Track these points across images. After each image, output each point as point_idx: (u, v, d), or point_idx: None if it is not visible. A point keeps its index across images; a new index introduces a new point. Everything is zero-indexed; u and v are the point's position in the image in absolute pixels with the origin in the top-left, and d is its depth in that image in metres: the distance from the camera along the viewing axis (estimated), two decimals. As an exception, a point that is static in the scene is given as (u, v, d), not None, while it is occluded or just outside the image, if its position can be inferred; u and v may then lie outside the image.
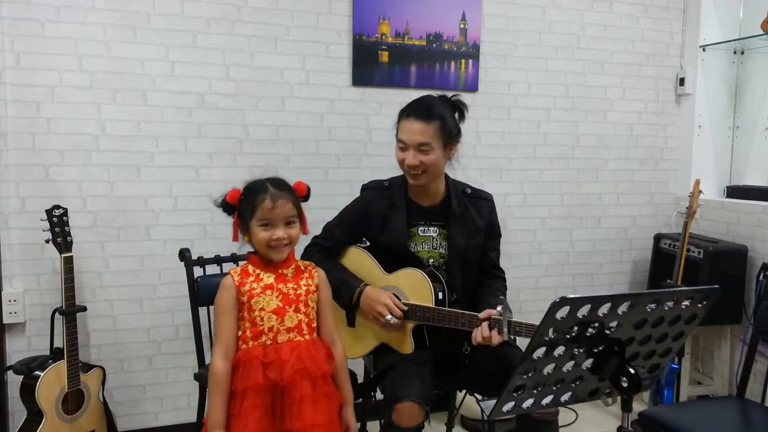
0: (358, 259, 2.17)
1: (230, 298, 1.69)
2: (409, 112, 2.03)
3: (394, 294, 2.06)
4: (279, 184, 1.73)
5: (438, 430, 2.78)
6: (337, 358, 1.79)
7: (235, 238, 1.75)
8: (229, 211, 1.74)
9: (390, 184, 2.17)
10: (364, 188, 2.22)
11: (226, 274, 1.74)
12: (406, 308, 2.02)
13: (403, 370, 1.99)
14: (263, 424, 1.63)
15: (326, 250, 2.18)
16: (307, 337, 1.73)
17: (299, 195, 1.77)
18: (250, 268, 1.74)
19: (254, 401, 1.63)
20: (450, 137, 2.03)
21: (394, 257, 2.11)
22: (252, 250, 1.77)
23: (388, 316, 1.99)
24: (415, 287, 2.04)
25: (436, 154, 2.00)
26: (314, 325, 1.76)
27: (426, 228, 2.14)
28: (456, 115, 2.08)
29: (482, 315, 1.89)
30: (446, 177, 2.16)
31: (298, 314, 1.72)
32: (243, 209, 1.71)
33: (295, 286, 1.74)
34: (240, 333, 1.70)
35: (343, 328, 2.16)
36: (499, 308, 1.86)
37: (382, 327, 2.04)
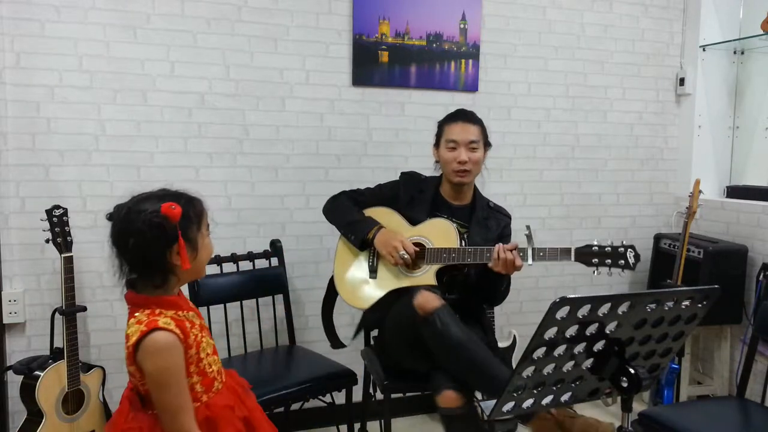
0: (385, 213, 2.34)
1: (181, 358, 1.36)
2: (456, 117, 2.33)
3: (419, 242, 2.23)
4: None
5: (435, 429, 2.78)
6: None
7: (187, 263, 1.39)
8: (169, 232, 1.37)
9: (425, 178, 2.43)
10: (403, 173, 2.46)
11: (148, 331, 1.33)
12: (418, 249, 2.20)
13: (408, 293, 2.11)
14: None
15: (354, 200, 2.40)
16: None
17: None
18: (170, 313, 1.39)
19: None
20: (487, 141, 2.35)
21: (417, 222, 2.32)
22: (150, 286, 1.41)
23: (402, 251, 2.15)
24: (441, 233, 2.23)
25: (480, 154, 2.30)
26: None
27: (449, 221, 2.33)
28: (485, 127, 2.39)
29: (510, 245, 2.08)
30: (475, 186, 2.42)
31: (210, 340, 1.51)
32: (187, 223, 1.41)
33: (195, 312, 1.51)
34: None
35: (366, 279, 2.29)
36: (526, 233, 2.06)
37: (395, 264, 2.19)
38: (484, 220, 2.34)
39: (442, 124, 2.36)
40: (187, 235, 1.39)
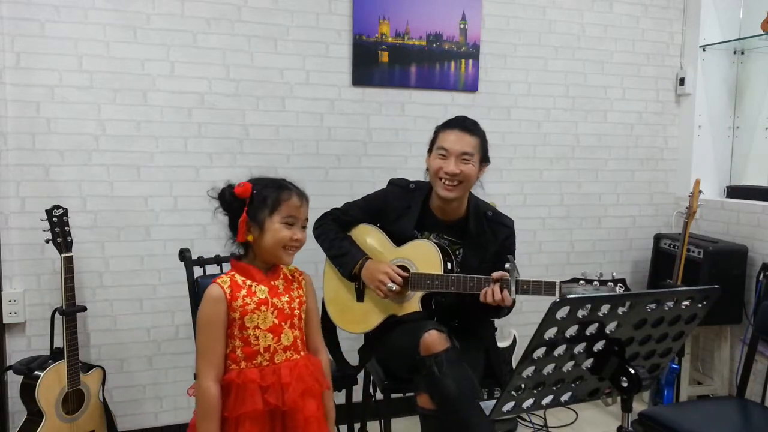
0: (370, 233, 2.25)
1: (220, 312, 1.52)
2: (453, 124, 2.13)
3: (403, 265, 2.13)
4: (297, 186, 1.64)
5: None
6: (324, 367, 1.69)
7: (243, 237, 1.57)
8: (236, 205, 1.57)
9: (414, 187, 2.25)
10: (391, 183, 2.33)
11: (209, 283, 1.56)
12: (406, 275, 2.08)
13: (414, 322, 2.06)
14: None
15: (340, 221, 2.27)
16: (302, 353, 1.62)
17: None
18: (239, 278, 1.57)
19: (250, 429, 1.50)
20: (485, 155, 2.16)
21: (401, 242, 2.20)
22: (236, 253, 1.62)
23: (389, 284, 2.05)
24: (424, 257, 2.11)
25: (473, 168, 2.10)
26: (305, 339, 1.67)
27: (438, 237, 2.21)
28: (486, 141, 2.20)
29: (494, 275, 1.96)
30: (470, 197, 2.22)
31: (294, 330, 1.61)
32: (258, 204, 1.56)
33: (288, 300, 1.61)
34: (228, 351, 1.54)
35: (353, 303, 2.22)
36: (507, 265, 1.93)
37: (385, 296, 2.09)
38: (479, 238, 2.17)
39: (438, 130, 2.17)
40: (253, 215, 1.55)
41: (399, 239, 2.19)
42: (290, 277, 1.68)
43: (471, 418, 1.86)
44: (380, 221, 2.27)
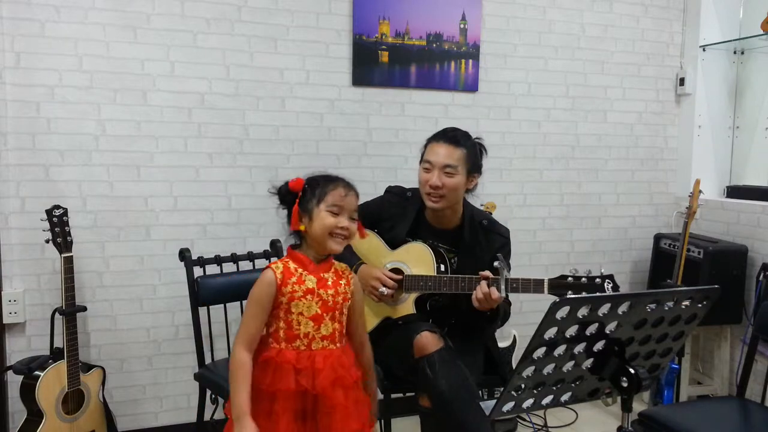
0: (366, 237, 2.20)
1: (268, 295, 1.64)
2: (439, 137, 2.15)
3: (397, 267, 2.14)
4: (347, 180, 1.72)
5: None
6: (366, 361, 1.79)
7: (295, 226, 1.69)
8: (290, 198, 1.70)
9: (411, 195, 2.26)
10: (388, 191, 2.34)
11: (265, 267, 1.69)
12: (399, 277, 2.10)
13: (409, 324, 2.08)
14: (294, 427, 1.62)
15: None
16: (338, 345, 1.70)
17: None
18: (292, 266, 1.68)
19: (285, 405, 1.61)
20: (473, 167, 2.15)
21: (395, 246, 2.21)
22: (294, 243, 1.73)
23: (381, 288, 2.07)
24: (417, 259, 2.12)
25: (458, 180, 2.10)
26: (344, 332, 1.74)
27: (434, 244, 2.20)
28: (478, 154, 2.19)
29: (481, 274, 1.98)
30: (464, 205, 2.22)
31: (334, 323, 1.68)
32: (308, 196, 1.67)
33: (334, 293, 1.69)
34: (271, 330, 1.66)
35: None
36: (496, 264, 1.93)
37: (378, 301, 2.11)
38: (473, 247, 2.17)
39: (427, 142, 2.18)
40: (304, 205, 1.67)
41: (393, 243, 2.20)
42: (340, 273, 1.75)
43: (466, 417, 1.87)
44: (376, 228, 2.27)
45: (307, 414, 1.63)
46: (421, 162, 2.17)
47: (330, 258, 1.73)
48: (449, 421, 1.89)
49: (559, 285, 1.96)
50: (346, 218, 1.67)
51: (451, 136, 2.13)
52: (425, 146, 2.18)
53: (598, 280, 1.92)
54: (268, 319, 1.66)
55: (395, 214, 2.23)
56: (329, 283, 1.69)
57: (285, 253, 1.76)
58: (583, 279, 1.94)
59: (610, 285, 1.91)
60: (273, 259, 1.81)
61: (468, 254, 2.17)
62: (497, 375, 2.26)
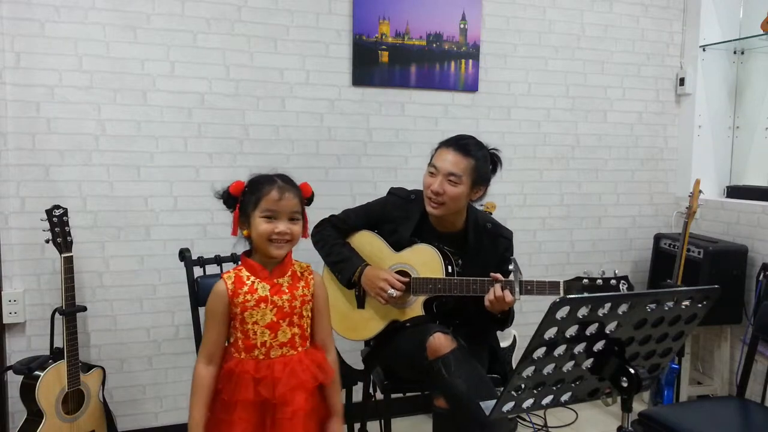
0: (369, 239, 2.23)
1: (221, 306, 1.62)
2: (450, 143, 2.10)
3: (403, 270, 2.12)
4: (286, 178, 1.67)
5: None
6: (330, 367, 1.72)
7: (234, 232, 1.67)
8: (231, 203, 1.67)
9: (415, 198, 2.22)
10: (391, 192, 2.29)
11: (219, 278, 1.66)
12: (407, 279, 2.08)
13: (418, 326, 2.07)
14: None
15: (338, 228, 2.25)
16: (300, 349, 1.67)
17: (304, 195, 1.69)
18: (245, 275, 1.65)
19: (242, 415, 1.59)
20: (480, 179, 2.09)
21: (400, 247, 2.20)
22: (246, 249, 1.70)
23: (390, 290, 2.04)
24: (425, 261, 2.11)
25: (461, 189, 2.05)
26: (308, 333, 1.70)
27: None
28: (489, 166, 2.14)
29: (494, 276, 1.98)
30: (468, 209, 2.19)
31: (292, 328, 1.65)
32: (246, 201, 1.63)
33: (290, 298, 1.65)
34: (232, 340, 1.66)
35: (354, 310, 2.20)
36: (510, 266, 1.94)
37: (386, 303, 2.08)
38: (478, 250, 2.15)
39: (438, 146, 2.15)
40: (244, 210, 1.64)
41: (397, 245, 2.19)
42: (298, 275, 1.70)
43: (485, 416, 1.86)
44: (378, 230, 2.25)
45: (266, 426, 1.61)
46: (429, 164, 2.14)
47: (286, 260, 1.68)
48: (470, 420, 1.87)
49: (574, 287, 1.94)
50: (284, 221, 1.61)
51: (463, 144, 2.08)
52: (436, 149, 2.14)
53: (613, 281, 1.91)
54: (228, 330, 1.65)
55: (398, 216, 2.21)
56: (284, 288, 1.65)
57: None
58: (599, 281, 1.92)
59: (625, 286, 1.90)
60: (229, 267, 1.77)
61: (473, 258, 2.16)
62: (499, 374, 2.26)
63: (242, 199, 1.65)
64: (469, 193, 2.09)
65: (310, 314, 1.70)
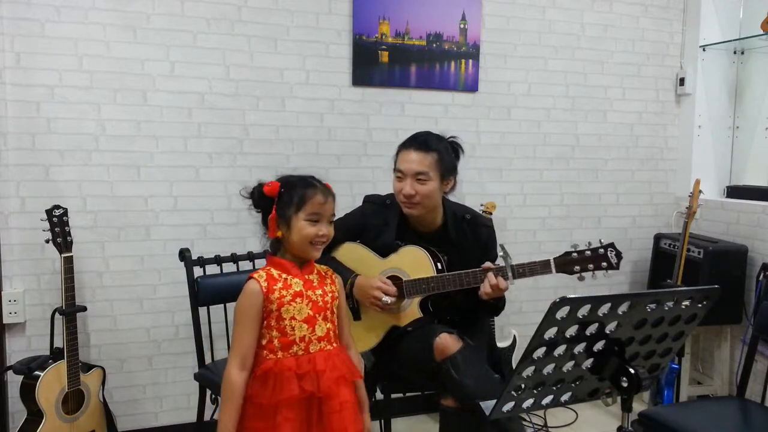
0: (353, 250, 2.21)
1: (256, 306, 1.59)
2: (407, 144, 2.10)
3: (394, 275, 2.11)
4: (321, 182, 1.68)
5: (435, 429, 2.77)
6: (354, 361, 1.76)
7: (273, 233, 1.64)
8: (264, 204, 1.64)
9: (390, 202, 2.21)
10: (366, 200, 2.30)
11: (248, 278, 1.62)
12: (399, 283, 2.07)
13: (419, 329, 2.06)
14: None
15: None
16: (335, 345, 1.68)
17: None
18: (275, 272, 1.63)
19: (288, 415, 1.56)
20: (447, 170, 2.09)
21: (385, 253, 2.18)
22: (270, 250, 1.69)
23: (385, 297, 2.04)
24: (413, 263, 2.09)
25: (432, 186, 2.05)
26: (337, 332, 1.72)
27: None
28: (453, 154, 2.14)
29: (485, 266, 1.97)
30: (444, 203, 2.19)
31: (327, 323, 1.66)
32: (285, 202, 1.61)
33: (322, 293, 1.66)
34: (265, 342, 1.61)
35: (351, 323, 2.17)
36: (500, 253, 1.94)
37: (382, 311, 2.08)
38: (461, 243, 2.15)
39: (398, 150, 2.13)
40: (282, 212, 1.61)
41: (383, 252, 2.17)
42: (323, 274, 1.72)
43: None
44: (361, 239, 2.23)
45: (312, 422, 1.60)
46: (394, 170, 2.13)
47: (311, 261, 1.69)
48: (481, 417, 1.86)
49: (565, 262, 1.93)
50: (326, 224, 1.64)
51: (422, 141, 2.08)
52: (397, 153, 2.13)
53: (601, 250, 1.90)
54: (260, 332, 1.61)
55: (378, 223, 2.20)
56: (315, 284, 1.66)
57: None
58: (587, 252, 1.91)
59: (613, 252, 1.90)
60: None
61: (457, 251, 2.15)
62: (498, 371, 2.26)
63: (279, 200, 1.62)
64: (440, 186, 2.09)
65: (336, 312, 1.72)
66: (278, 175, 1.69)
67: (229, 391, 1.58)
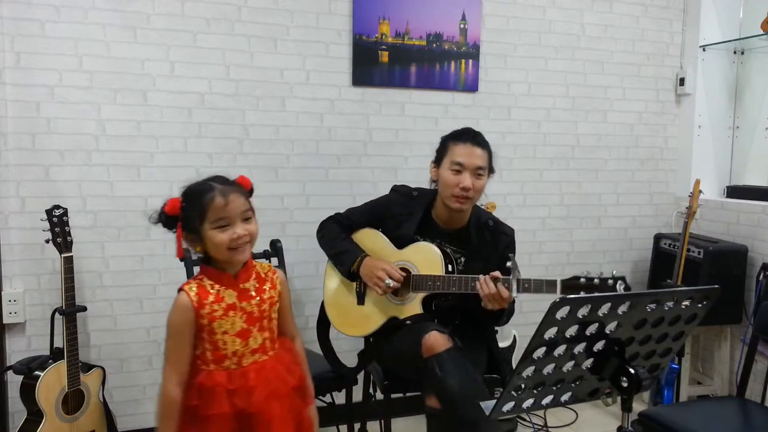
0: (371, 236, 2.26)
1: (188, 321, 1.52)
2: (466, 138, 2.14)
3: (404, 267, 2.14)
4: (222, 179, 1.57)
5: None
6: (297, 353, 1.71)
7: (180, 254, 1.57)
8: (171, 223, 1.56)
9: (417, 194, 2.26)
10: (394, 189, 2.33)
11: (179, 289, 1.55)
12: (405, 274, 2.10)
13: (416, 324, 2.09)
14: None
15: (342, 224, 2.29)
16: (270, 353, 1.62)
17: (245, 189, 1.59)
18: (207, 284, 1.55)
19: (217, 429, 1.52)
20: (492, 168, 2.18)
21: (403, 244, 2.21)
22: (202, 260, 1.62)
23: (387, 280, 2.06)
24: (425, 260, 2.12)
25: (485, 181, 2.14)
26: (276, 335, 1.65)
27: (438, 246, 2.19)
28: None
29: (492, 275, 1.98)
30: (473, 207, 2.22)
31: (263, 333, 1.60)
32: (189, 217, 1.53)
33: (259, 302, 1.59)
34: (198, 352, 1.56)
35: (353, 307, 2.22)
36: (509, 264, 1.95)
37: (383, 293, 2.10)
38: (480, 247, 2.17)
39: (447, 142, 2.17)
40: (189, 226, 1.54)
41: (400, 243, 2.20)
42: (263, 277, 1.63)
43: (476, 416, 1.86)
44: (381, 227, 2.27)
45: None
46: (440, 161, 2.15)
47: (248, 262, 1.60)
48: (459, 420, 1.88)
49: (571, 286, 1.93)
50: (239, 224, 1.52)
51: (480, 139, 2.15)
52: (446, 146, 2.16)
53: (610, 281, 1.90)
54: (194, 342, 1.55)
55: (401, 213, 2.23)
56: (252, 292, 1.58)
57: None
58: (596, 280, 1.92)
59: (623, 286, 1.90)
60: (183, 279, 1.71)
61: (476, 255, 2.18)
62: (498, 375, 2.26)
63: (183, 216, 1.54)
64: (486, 182, 2.15)
65: (277, 315, 1.66)
66: (183, 187, 1.61)
67: (168, 407, 1.52)
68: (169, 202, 1.56)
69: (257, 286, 1.60)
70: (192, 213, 1.52)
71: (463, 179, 2.08)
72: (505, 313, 2.12)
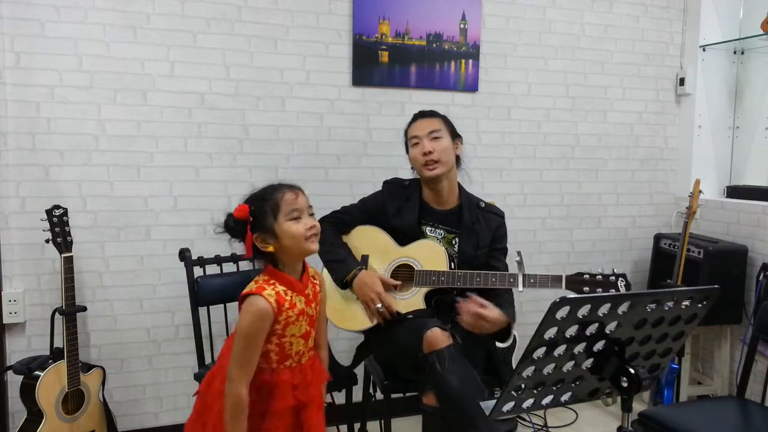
0: (372, 234, 2.29)
1: (266, 328, 1.56)
2: (414, 117, 2.30)
3: (407, 263, 2.18)
4: (287, 183, 1.67)
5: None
6: (323, 360, 1.80)
7: (249, 253, 1.61)
8: (241, 228, 1.60)
9: (409, 183, 2.34)
10: (386, 183, 2.39)
11: (251, 293, 1.57)
12: (399, 283, 2.16)
13: (416, 319, 2.11)
14: None
15: (339, 222, 2.32)
16: (313, 350, 1.73)
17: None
18: (280, 289, 1.60)
19: (276, 423, 1.59)
20: (453, 131, 2.28)
21: (405, 239, 2.25)
22: (268, 262, 1.65)
23: (379, 305, 2.10)
24: (429, 255, 2.18)
25: (446, 142, 2.21)
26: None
27: (434, 229, 2.28)
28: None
29: (478, 311, 2.00)
30: (460, 187, 2.31)
31: (313, 331, 1.70)
32: (261, 215, 1.58)
33: (315, 305, 1.69)
34: (261, 353, 1.60)
35: (352, 300, 2.23)
36: (516, 258, 2.06)
37: (372, 315, 2.14)
38: (473, 226, 2.24)
39: (406, 130, 2.31)
40: (260, 227, 1.58)
41: (403, 234, 2.23)
42: (314, 281, 1.72)
43: (475, 414, 1.87)
44: (381, 219, 2.30)
45: (300, 426, 1.64)
46: (407, 145, 2.29)
47: (305, 266, 1.68)
48: (457, 418, 1.89)
49: (575, 281, 2.06)
50: (308, 217, 1.63)
51: (427, 112, 2.30)
52: (406, 133, 2.30)
53: (612, 278, 2.03)
54: None
55: (399, 199, 2.29)
56: (311, 296, 1.68)
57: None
58: (599, 276, 2.04)
59: (624, 283, 2.01)
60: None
61: (468, 234, 2.23)
62: (497, 375, 2.26)
63: (252, 219, 1.59)
64: (451, 144, 2.23)
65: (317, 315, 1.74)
66: (246, 195, 1.67)
67: (239, 408, 1.54)
68: (239, 208, 1.60)
69: (313, 291, 1.69)
70: (265, 210, 1.59)
71: (421, 146, 2.19)
72: (509, 337, 2.17)
